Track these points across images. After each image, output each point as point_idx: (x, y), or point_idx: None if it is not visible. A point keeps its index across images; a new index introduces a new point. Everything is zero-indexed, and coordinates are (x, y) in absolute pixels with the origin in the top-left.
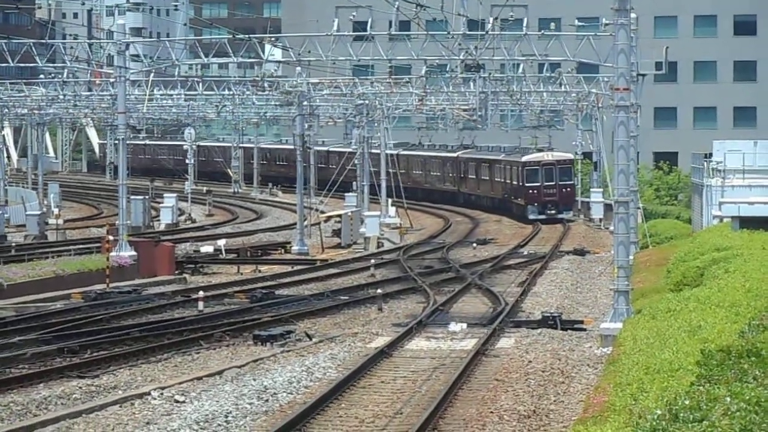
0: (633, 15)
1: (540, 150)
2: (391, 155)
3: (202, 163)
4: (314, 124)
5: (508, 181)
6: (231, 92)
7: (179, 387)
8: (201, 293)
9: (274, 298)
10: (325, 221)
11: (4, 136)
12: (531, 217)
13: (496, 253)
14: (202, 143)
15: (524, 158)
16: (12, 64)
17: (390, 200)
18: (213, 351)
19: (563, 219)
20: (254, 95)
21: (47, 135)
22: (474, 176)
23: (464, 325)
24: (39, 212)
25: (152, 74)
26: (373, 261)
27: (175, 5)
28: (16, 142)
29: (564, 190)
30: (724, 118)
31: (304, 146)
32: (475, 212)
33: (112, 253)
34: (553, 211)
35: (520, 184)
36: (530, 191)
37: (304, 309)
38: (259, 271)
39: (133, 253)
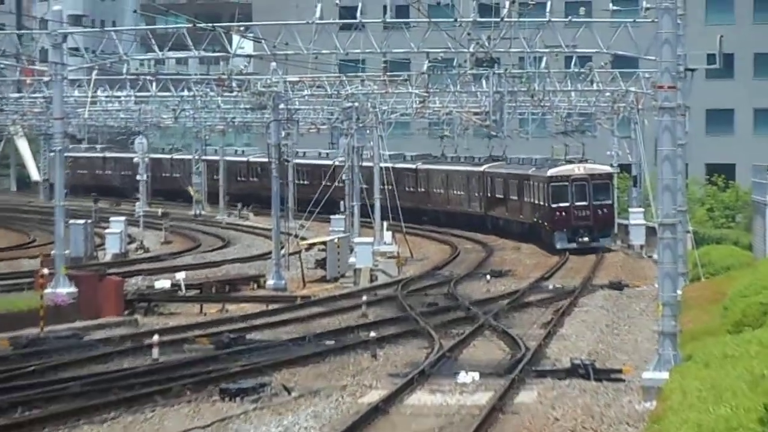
0: None
1: (570, 162)
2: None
3: (156, 179)
4: (293, 132)
5: (536, 202)
6: (191, 93)
7: None
8: (156, 338)
9: (244, 344)
10: (307, 250)
11: None
12: (559, 246)
13: (514, 288)
14: (156, 155)
15: (550, 172)
16: None
17: (385, 224)
18: (171, 409)
19: (599, 248)
20: (220, 97)
21: None
22: (501, 196)
23: (476, 376)
24: None
25: (95, 72)
26: (365, 298)
27: None
28: None
29: (600, 211)
30: None
31: (280, 159)
32: (490, 238)
33: (47, 290)
34: (586, 239)
35: (546, 204)
36: (557, 213)
37: (281, 357)
38: (227, 311)
39: (73, 289)
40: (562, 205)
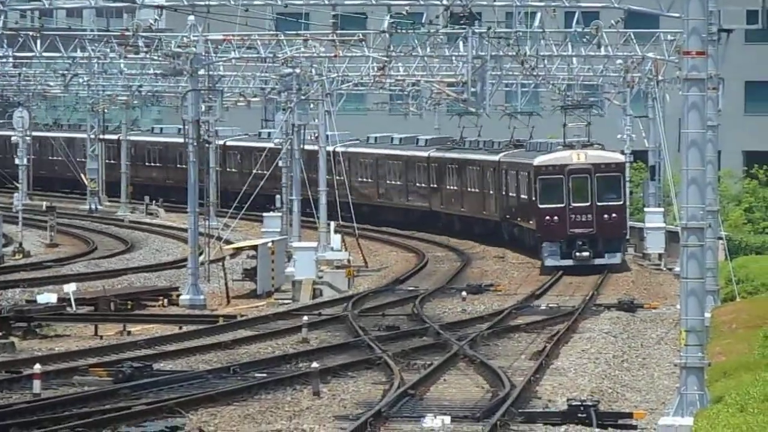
0: None
1: (568, 146)
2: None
3: (40, 163)
4: (216, 105)
5: (513, 195)
6: (86, 54)
7: None
8: (37, 367)
9: (151, 376)
10: (232, 256)
11: None
12: (549, 263)
13: (497, 308)
14: (40, 134)
15: (537, 160)
16: None
17: (333, 224)
18: None
19: (604, 268)
20: (122, 59)
21: None
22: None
23: (447, 420)
24: None
25: None
26: (306, 318)
27: None
28: None
29: (607, 216)
30: None
31: (199, 139)
32: (467, 244)
33: None
34: (586, 254)
35: (531, 200)
36: (546, 217)
37: (198, 393)
38: (129, 334)
39: None
40: (553, 206)
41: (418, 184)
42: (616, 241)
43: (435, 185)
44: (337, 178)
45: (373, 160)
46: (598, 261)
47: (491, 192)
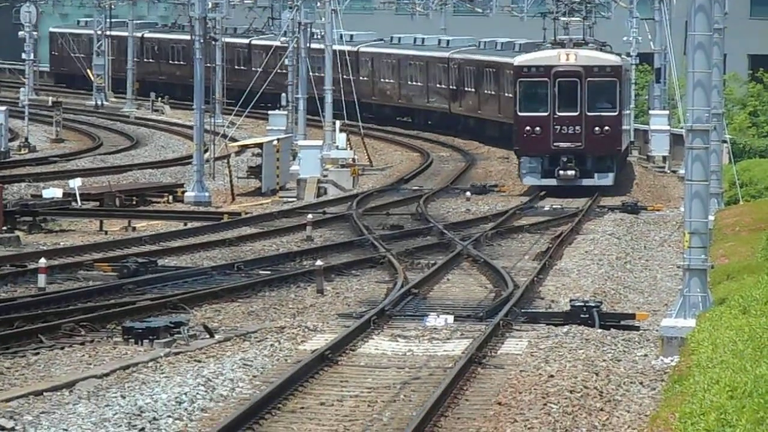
0: None
1: (557, 44)
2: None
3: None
4: (223, 2)
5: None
6: None
7: (6, 407)
8: (42, 261)
9: (155, 272)
10: (237, 154)
11: None
12: (528, 181)
13: (501, 208)
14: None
15: (519, 59)
16: None
17: (338, 123)
18: (60, 351)
19: (596, 188)
20: None
21: None
22: (473, 90)
23: (450, 319)
24: None
25: None
26: (310, 216)
27: None
28: None
29: (599, 128)
30: None
31: (205, 37)
32: (472, 145)
33: None
34: (571, 172)
35: (514, 109)
36: (527, 128)
37: (202, 289)
38: (134, 229)
39: None
40: (534, 114)
41: (438, 86)
42: (609, 159)
43: (454, 87)
44: (344, 77)
45: (396, 61)
46: (586, 182)
47: (507, 94)
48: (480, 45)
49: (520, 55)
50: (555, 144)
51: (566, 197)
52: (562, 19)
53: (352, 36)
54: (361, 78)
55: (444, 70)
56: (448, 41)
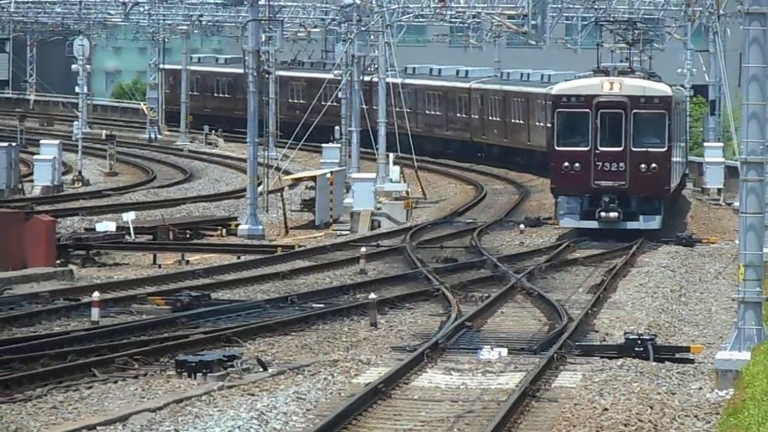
0: None
1: (601, 72)
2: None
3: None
4: (276, 36)
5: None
6: None
7: None
8: (96, 295)
9: (208, 305)
10: (291, 187)
11: None
12: (566, 223)
13: (554, 241)
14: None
15: (558, 87)
16: None
17: (392, 156)
18: (114, 385)
19: (639, 232)
20: None
21: None
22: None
23: (504, 352)
24: None
25: None
26: (363, 249)
27: None
28: None
29: (645, 165)
30: None
31: (260, 70)
32: (525, 177)
33: None
34: (614, 214)
35: (549, 143)
36: (565, 164)
37: (255, 322)
38: (187, 263)
39: None
40: (573, 149)
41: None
42: (656, 200)
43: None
44: (397, 109)
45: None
46: (630, 225)
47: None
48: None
49: (559, 84)
50: (596, 182)
51: (607, 241)
52: (607, 45)
53: (467, 72)
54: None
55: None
56: (467, 71)
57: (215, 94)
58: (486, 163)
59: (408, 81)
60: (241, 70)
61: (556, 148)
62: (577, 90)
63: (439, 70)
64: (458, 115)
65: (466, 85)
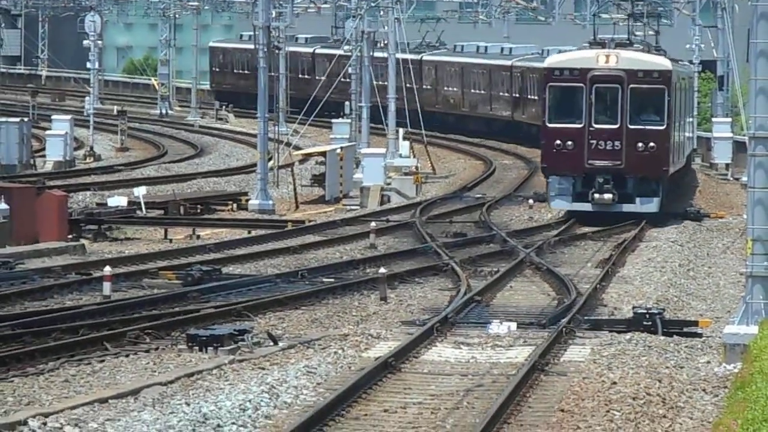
0: None
1: (597, 44)
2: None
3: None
4: (286, 12)
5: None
6: None
7: (71, 414)
8: (107, 269)
9: (219, 280)
10: (301, 162)
11: None
12: (557, 205)
13: (562, 216)
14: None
15: (550, 60)
16: None
17: (401, 131)
18: (125, 359)
19: (636, 216)
20: None
21: None
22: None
23: (513, 326)
24: None
25: None
26: (373, 224)
27: None
28: None
29: (643, 144)
30: None
31: (269, 46)
32: (535, 152)
33: None
34: (609, 196)
35: (542, 119)
36: (556, 142)
37: (266, 297)
38: (198, 238)
39: (4, 206)
40: (565, 126)
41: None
42: (653, 182)
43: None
44: (407, 85)
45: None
46: (626, 207)
47: None
48: (543, 53)
49: (551, 56)
50: (590, 162)
51: (602, 226)
52: (606, 16)
53: (509, 49)
54: (424, 87)
55: (507, 78)
56: (510, 49)
57: (226, 71)
58: (496, 138)
59: (454, 59)
60: (251, 47)
61: (548, 125)
62: (570, 63)
63: (486, 47)
64: (501, 93)
65: (508, 62)
